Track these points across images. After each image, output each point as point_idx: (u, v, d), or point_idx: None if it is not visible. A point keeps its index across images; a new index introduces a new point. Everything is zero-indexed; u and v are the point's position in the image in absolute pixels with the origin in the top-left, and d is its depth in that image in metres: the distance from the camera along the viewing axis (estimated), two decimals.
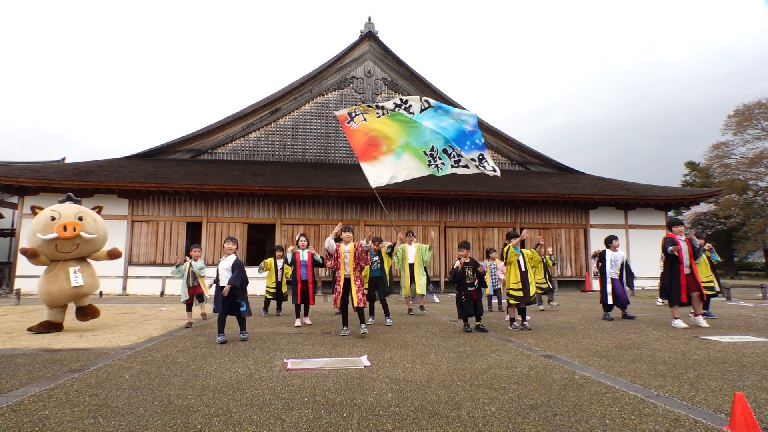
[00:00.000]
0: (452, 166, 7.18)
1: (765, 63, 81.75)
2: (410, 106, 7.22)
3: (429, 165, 7.27)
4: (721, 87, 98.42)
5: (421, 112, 7.18)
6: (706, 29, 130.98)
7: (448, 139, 7.11)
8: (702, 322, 6.80)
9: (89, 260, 7.05)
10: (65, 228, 6.39)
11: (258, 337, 5.93)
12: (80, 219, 6.65)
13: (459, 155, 7.09)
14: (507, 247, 6.75)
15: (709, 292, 8.09)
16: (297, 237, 7.71)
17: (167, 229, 16.23)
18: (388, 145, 7.24)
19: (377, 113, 7.26)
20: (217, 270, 5.67)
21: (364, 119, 7.32)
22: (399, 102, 7.28)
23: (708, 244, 8.72)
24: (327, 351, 4.96)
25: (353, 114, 7.43)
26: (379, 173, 7.25)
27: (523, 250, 6.86)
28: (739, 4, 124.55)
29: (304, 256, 7.29)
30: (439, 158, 7.17)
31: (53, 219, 6.50)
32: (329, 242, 6.12)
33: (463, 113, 7.23)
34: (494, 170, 7.08)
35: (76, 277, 6.56)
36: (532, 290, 6.71)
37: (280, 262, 8.56)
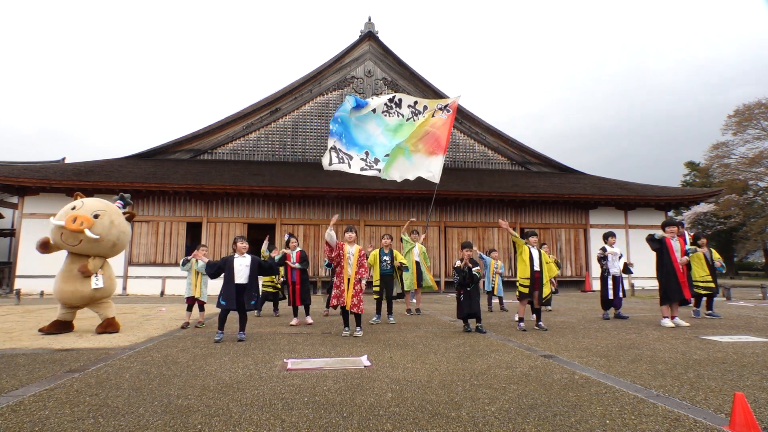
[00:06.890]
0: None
1: (741, 75, 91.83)
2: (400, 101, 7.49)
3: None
4: (706, 96, 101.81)
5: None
6: (689, 45, 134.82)
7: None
8: (681, 322, 6.90)
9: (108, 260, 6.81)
10: (74, 220, 6.17)
11: (258, 337, 5.93)
12: (96, 217, 6.36)
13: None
14: (524, 243, 6.73)
15: (704, 292, 8.08)
16: (286, 238, 7.73)
17: (167, 229, 16.23)
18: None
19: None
20: (232, 267, 5.68)
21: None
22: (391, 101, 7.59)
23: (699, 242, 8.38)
24: (327, 351, 4.96)
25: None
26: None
27: (542, 251, 6.85)
28: (715, 25, 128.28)
29: (294, 257, 7.31)
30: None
31: (74, 208, 6.35)
32: (330, 234, 6.10)
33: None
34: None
35: (97, 279, 6.38)
36: (546, 291, 6.77)
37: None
